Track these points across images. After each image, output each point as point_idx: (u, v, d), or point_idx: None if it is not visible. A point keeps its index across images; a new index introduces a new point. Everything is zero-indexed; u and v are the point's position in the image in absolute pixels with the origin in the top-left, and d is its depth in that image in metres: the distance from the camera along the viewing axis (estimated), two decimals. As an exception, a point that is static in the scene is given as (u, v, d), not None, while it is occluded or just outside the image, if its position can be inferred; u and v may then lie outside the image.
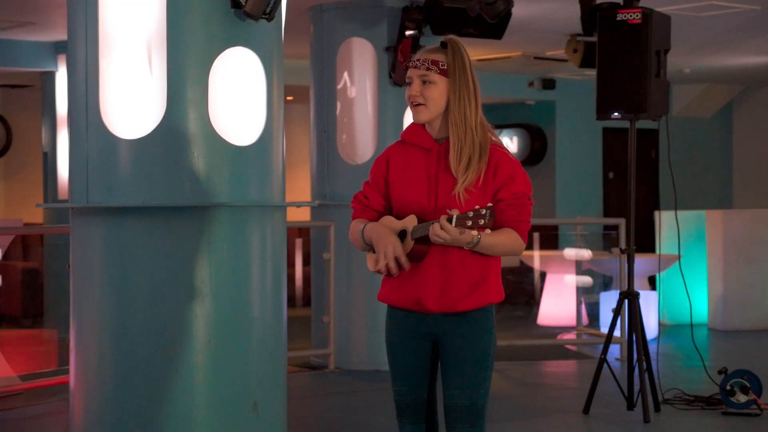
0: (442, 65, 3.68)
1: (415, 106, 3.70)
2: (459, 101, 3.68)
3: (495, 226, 3.63)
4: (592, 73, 7.83)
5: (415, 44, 7.92)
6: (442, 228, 3.46)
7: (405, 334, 3.77)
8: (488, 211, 3.42)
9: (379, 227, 3.69)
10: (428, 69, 3.68)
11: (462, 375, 3.69)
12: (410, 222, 3.67)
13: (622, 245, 8.82)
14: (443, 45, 3.73)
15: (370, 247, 3.75)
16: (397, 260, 3.62)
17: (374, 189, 3.80)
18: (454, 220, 3.45)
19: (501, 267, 3.78)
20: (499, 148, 3.70)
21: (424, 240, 3.60)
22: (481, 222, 3.42)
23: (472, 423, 3.70)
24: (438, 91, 3.68)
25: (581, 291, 10.52)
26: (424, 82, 3.69)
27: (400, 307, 3.76)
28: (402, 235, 3.68)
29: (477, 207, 3.45)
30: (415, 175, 3.72)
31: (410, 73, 3.72)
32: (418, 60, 3.70)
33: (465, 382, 3.69)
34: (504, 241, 3.64)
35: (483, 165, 3.64)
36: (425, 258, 3.65)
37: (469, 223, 3.43)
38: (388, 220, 3.73)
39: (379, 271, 3.71)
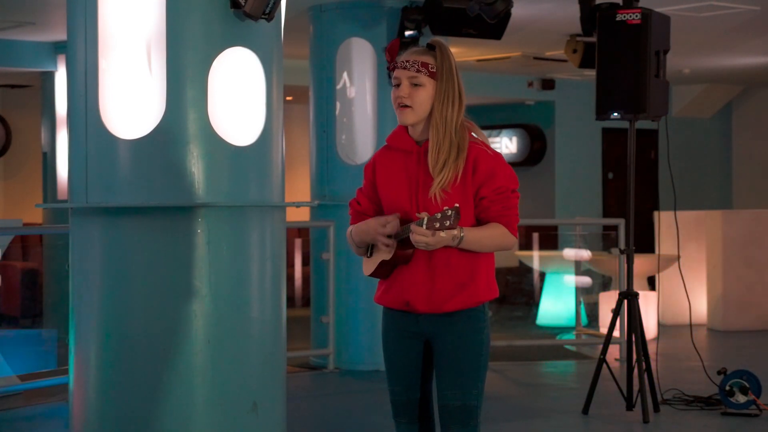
0: (431, 68, 3.67)
1: (402, 107, 3.69)
2: (443, 104, 3.67)
3: (483, 223, 3.65)
4: (591, 73, 7.83)
5: (414, 44, 7.92)
6: (416, 233, 3.48)
7: (398, 334, 3.79)
8: (453, 212, 3.44)
9: (361, 225, 3.75)
10: (418, 71, 3.67)
11: (454, 375, 3.70)
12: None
13: (622, 245, 8.82)
14: (430, 47, 3.72)
15: (364, 251, 3.78)
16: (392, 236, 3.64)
17: (365, 194, 3.85)
18: (424, 223, 3.47)
19: (494, 265, 3.79)
20: (478, 144, 3.69)
21: (406, 242, 3.62)
22: (447, 223, 3.45)
23: (466, 423, 3.70)
24: (426, 93, 3.68)
25: (580, 291, 10.53)
26: (413, 85, 3.68)
27: (392, 308, 3.78)
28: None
29: (445, 208, 3.47)
30: (397, 179, 3.73)
31: (398, 74, 3.70)
32: (407, 61, 3.68)
33: (457, 383, 3.69)
34: (490, 235, 3.64)
35: (460, 164, 3.63)
36: (412, 259, 3.67)
37: (437, 224, 3.45)
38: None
39: (373, 275, 3.74)
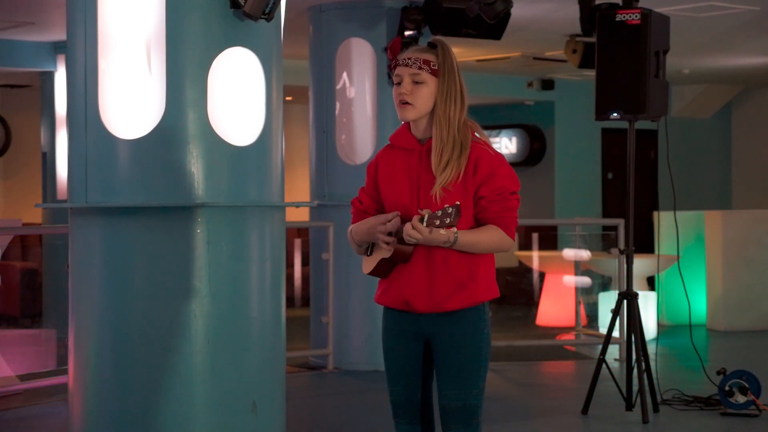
0: (433, 65, 3.68)
1: (403, 104, 3.70)
2: (446, 102, 3.68)
3: (480, 223, 3.66)
4: (591, 73, 7.83)
5: (413, 44, 7.92)
6: (413, 227, 3.49)
7: (398, 334, 3.79)
8: (454, 210, 3.45)
9: (362, 224, 3.75)
10: (420, 68, 3.68)
11: (454, 375, 3.70)
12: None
13: (621, 246, 8.82)
14: (432, 45, 3.73)
15: (364, 249, 3.78)
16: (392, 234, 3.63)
17: (367, 193, 3.85)
18: (425, 220, 3.48)
19: (494, 265, 3.78)
20: (480, 144, 3.70)
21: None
22: (447, 220, 3.46)
23: (467, 423, 3.70)
24: (428, 91, 3.69)
25: (580, 291, 10.53)
26: (415, 82, 3.69)
27: (392, 307, 3.78)
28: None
29: (445, 206, 3.48)
30: (399, 177, 3.74)
31: (400, 71, 3.71)
32: (409, 59, 3.69)
33: (457, 383, 3.69)
34: (486, 238, 3.64)
35: (462, 162, 3.64)
36: (411, 258, 3.66)
37: (437, 222, 3.47)
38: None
39: (372, 274, 3.74)
